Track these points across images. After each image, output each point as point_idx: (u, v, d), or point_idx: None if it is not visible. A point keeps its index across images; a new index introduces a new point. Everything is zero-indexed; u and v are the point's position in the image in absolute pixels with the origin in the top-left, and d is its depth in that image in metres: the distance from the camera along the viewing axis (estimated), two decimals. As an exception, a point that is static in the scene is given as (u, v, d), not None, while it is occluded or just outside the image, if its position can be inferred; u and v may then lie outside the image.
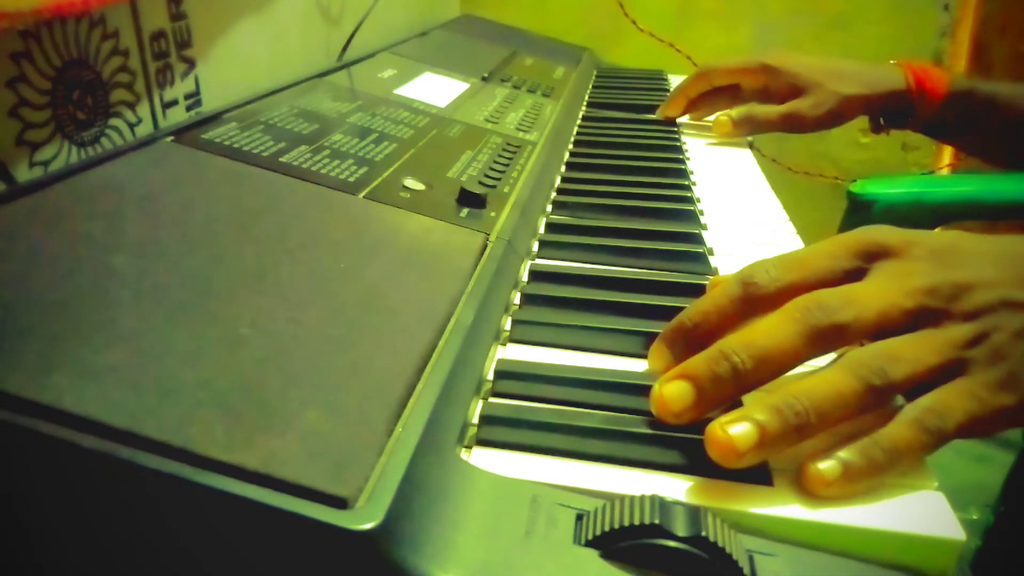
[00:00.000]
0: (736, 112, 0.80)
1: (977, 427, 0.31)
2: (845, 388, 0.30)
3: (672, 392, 0.30)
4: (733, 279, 0.34)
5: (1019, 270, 0.33)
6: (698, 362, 0.31)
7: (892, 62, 0.80)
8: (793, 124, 0.78)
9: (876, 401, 0.30)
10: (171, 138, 0.46)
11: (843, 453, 0.29)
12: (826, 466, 0.29)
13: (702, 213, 0.58)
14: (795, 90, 0.78)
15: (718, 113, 0.83)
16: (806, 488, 0.29)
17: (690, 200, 0.60)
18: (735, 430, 0.28)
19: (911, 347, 0.31)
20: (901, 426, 0.30)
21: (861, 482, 0.29)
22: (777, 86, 0.80)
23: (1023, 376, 0.31)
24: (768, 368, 0.31)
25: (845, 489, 0.29)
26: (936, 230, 0.36)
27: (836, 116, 0.78)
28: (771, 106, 0.80)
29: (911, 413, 0.30)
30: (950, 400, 0.31)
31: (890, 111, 0.79)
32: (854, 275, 0.34)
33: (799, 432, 0.29)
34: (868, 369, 0.30)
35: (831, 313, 0.31)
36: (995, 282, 0.32)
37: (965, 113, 0.77)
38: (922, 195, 0.97)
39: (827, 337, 0.31)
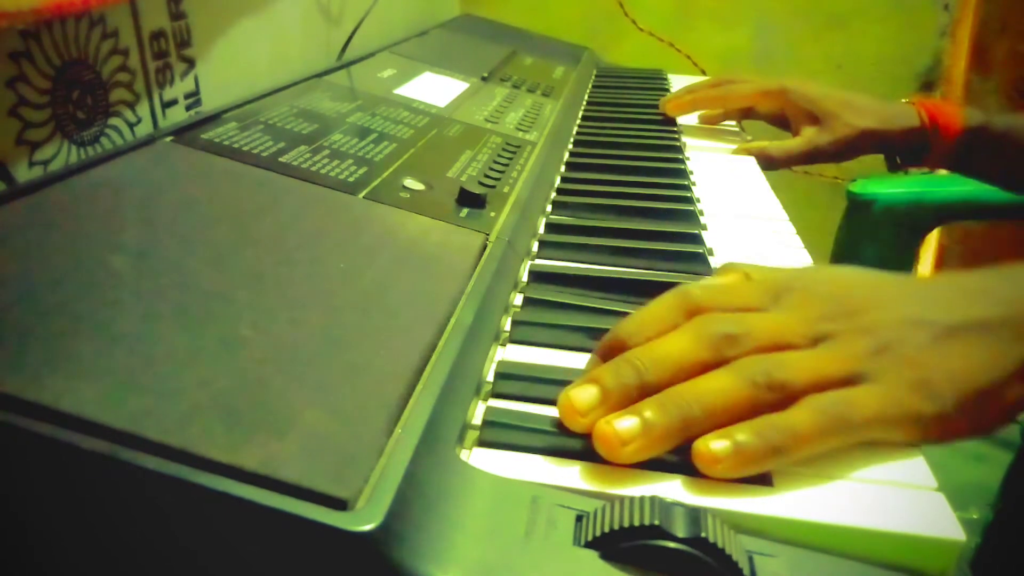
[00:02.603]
0: (755, 147, 0.78)
1: (890, 427, 0.31)
2: (728, 386, 0.31)
3: (578, 394, 0.31)
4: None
5: (922, 294, 0.35)
6: (604, 368, 0.32)
7: (904, 100, 0.79)
8: (812, 158, 0.78)
9: (765, 401, 0.30)
10: (171, 138, 0.46)
11: (737, 433, 0.29)
12: (718, 445, 0.29)
13: (702, 213, 0.58)
14: (811, 117, 0.78)
15: (736, 146, 0.81)
16: (696, 467, 0.29)
17: (690, 200, 0.60)
18: (620, 422, 0.29)
19: (804, 356, 0.32)
20: (801, 410, 0.30)
21: (758, 463, 0.29)
22: (793, 111, 0.79)
23: (939, 386, 0.31)
24: (670, 375, 0.31)
25: (738, 469, 0.29)
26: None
27: (852, 149, 0.78)
28: (787, 142, 0.79)
29: (813, 399, 0.30)
30: (858, 394, 0.31)
31: (906, 149, 0.79)
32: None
33: (684, 424, 0.30)
34: (751, 370, 0.31)
35: (726, 326, 0.32)
36: (892, 303, 0.34)
37: (983, 147, 0.76)
38: (922, 195, 0.97)
39: (722, 347, 0.32)
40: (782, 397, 0.31)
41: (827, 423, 0.30)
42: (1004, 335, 0.32)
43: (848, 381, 0.31)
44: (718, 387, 0.31)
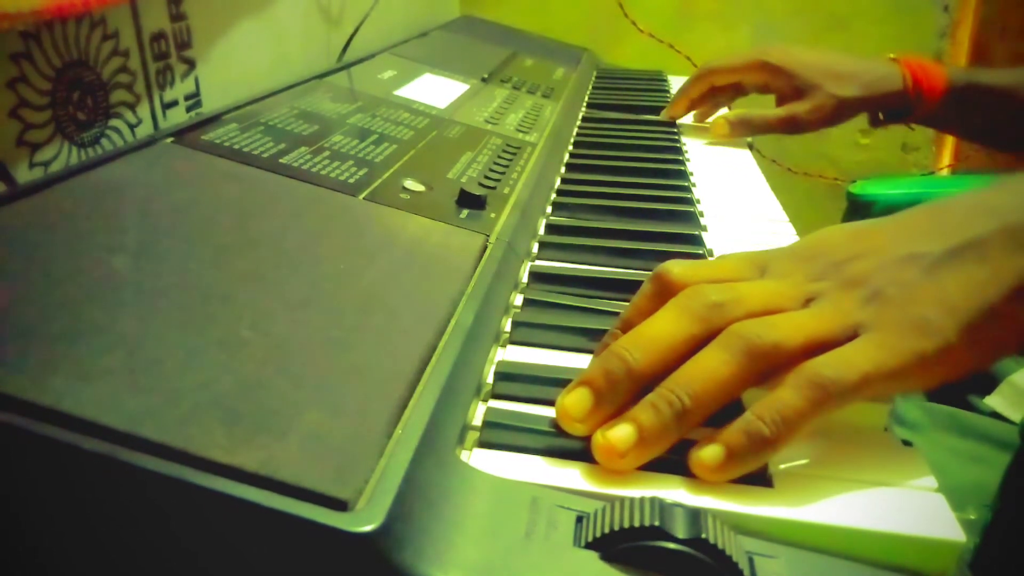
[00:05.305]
0: (732, 115, 0.81)
1: (893, 378, 0.29)
2: (718, 364, 0.29)
3: (571, 400, 0.30)
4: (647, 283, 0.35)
5: (909, 228, 0.33)
6: (593, 366, 0.31)
7: (890, 57, 0.80)
8: (791, 127, 0.79)
9: (761, 368, 0.29)
10: (171, 139, 0.46)
11: (726, 435, 0.29)
12: (708, 452, 0.28)
13: (702, 214, 0.58)
14: (795, 89, 0.79)
15: (715, 115, 0.84)
16: (695, 475, 0.29)
17: (690, 201, 0.60)
18: (614, 433, 0.29)
19: (796, 316, 0.31)
20: (786, 389, 0.29)
21: (753, 460, 0.28)
22: (777, 83, 0.80)
23: (938, 319, 0.29)
24: (659, 357, 0.30)
25: (735, 471, 0.28)
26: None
27: (833, 118, 0.78)
28: (767, 111, 0.81)
29: (799, 372, 0.29)
30: (853, 350, 0.29)
31: (889, 110, 0.80)
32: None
33: (678, 420, 0.29)
34: (742, 338, 0.30)
35: (710, 294, 0.31)
36: (879, 247, 0.32)
37: (964, 106, 0.77)
38: (922, 196, 0.97)
39: (710, 316, 0.31)
40: (777, 363, 0.29)
41: (815, 394, 0.28)
42: (998, 249, 0.30)
43: (845, 337, 0.30)
44: (708, 368, 0.29)
